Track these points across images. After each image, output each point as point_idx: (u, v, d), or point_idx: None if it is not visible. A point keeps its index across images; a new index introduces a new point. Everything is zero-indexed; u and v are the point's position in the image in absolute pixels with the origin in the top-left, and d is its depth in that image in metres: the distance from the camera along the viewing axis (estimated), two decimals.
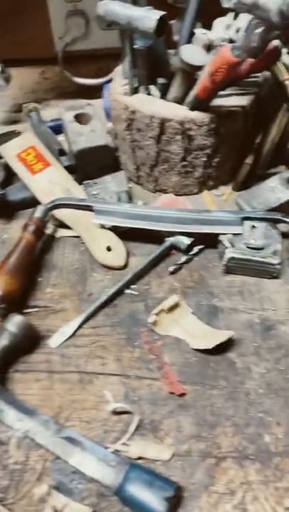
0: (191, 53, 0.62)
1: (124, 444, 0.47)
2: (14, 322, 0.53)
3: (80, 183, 0.73)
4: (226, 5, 0.54)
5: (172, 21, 0.75)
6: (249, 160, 0.72)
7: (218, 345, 0.54)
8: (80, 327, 0.58)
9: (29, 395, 0.51)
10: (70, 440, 0.46)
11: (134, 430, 0.48)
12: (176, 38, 0.79)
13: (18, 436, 0.47)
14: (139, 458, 0.46)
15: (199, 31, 0.70)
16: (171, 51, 0.73)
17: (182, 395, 0.51)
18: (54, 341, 0.56)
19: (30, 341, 0.55)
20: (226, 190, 0.76)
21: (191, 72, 0.63)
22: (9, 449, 0.47)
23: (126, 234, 0.67)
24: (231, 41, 0.62)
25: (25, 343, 0.54)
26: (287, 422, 0.49)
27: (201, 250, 0.67)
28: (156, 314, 0.57)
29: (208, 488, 0.44)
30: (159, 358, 0.54)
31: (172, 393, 0.51)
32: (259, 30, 0.54)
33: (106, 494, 0.44)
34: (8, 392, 0.50)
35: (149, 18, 0.59)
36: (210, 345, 0.53)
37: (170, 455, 0.46)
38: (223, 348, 0.54)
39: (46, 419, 0.48)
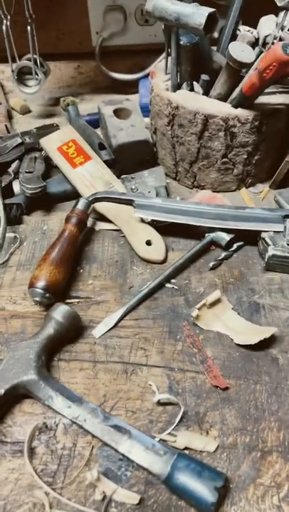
0: (239, 50, 0.62)
1: (170, 434, 0.47)
2: (60, 311, 0.54)
3: (117, 177, 0.74)
4: (280, 4, 0.54)
5: None
6: None
7: (260, 342, 0.54)
8: (122, 318, 0.58)
9: (74, 383, 0.52)
10: (118, 428, 0.47)
11: (179, 421, 0.48)
12: (215, 35, 0.79)
13: (65, 422, 0.48)
14: (185, 448, 0.47)
15: (244, 29, 0.71)
16: (214, 48, 0.74)
17: (226, 388, 0.51)
18: (97, 332, 0.57)
19: (74, 331, 0.56)
20: (264, 188, 0.76)
21: (237, 69, 0.63)
22: (56, 434, 0.48)
23: (165, 229, 0.68)
24: (280, 39, 0.62)
25: (70, 333, 0.55)
26: None
27: (240, 247, 0.67)
28: (199, 309, 0.57)
29: (254, 480, 0.45)
30: (201, 352, 0.55)
31: (216, 387, 0.51)
32: None
33: (154, 482, 0.44)
34: (55, 380, 0.51)
35: (199, 14, 0.59)
36: (254, 341, 0.54)
37: (215, 447, 0.47)
38: (266, 344, 0.55)
39: (93, 407, 0.48)
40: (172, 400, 0.50)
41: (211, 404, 0.50)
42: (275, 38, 0.62)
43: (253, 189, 0.76)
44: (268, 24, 0.67)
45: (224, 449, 0.47)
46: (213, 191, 0.75)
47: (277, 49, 0.55)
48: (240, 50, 0.62)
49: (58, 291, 0.59)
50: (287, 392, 0.51)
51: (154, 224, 0.68)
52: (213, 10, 0.60)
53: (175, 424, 0.48)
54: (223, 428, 0.48)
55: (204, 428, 0.48)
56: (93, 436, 0.47)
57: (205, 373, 0.53)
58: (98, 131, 0.86)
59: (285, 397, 0.51)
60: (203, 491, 0.41)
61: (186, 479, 0.42)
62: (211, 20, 0.60)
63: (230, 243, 0.66)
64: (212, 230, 0.66)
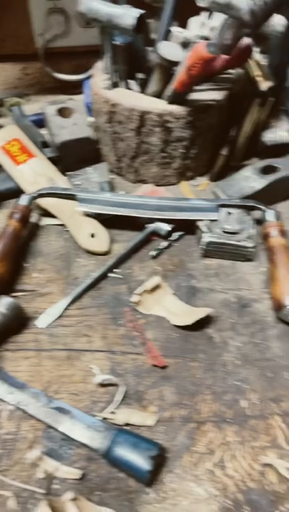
0: (168, 49, 0.66)
1: (111, 412, 0.50)
2: (4, 303, 0.56)
3: (63, 174, 0.76)
4: (200, 4, 0.57)
5: (150, 20, 0.80)
6: (224, 151, 0.76)
7: (197, 322, 0.57)
8: (66, 308, 0.60)
9: (19, 371, 0.54)
10: (60, 410, 0.49)
11: (121, 401, 0.51)
12: (153, 36, 0.83)
13: (9, 409, 0.50)
14: (126, 424, 0.49)
15: (175, 29, 0.74)
16: (150, 48, 0.77)
17: (164, 367, 0.54)
18: (42, 322, 0.59)
19: (19, 322, 0.57)
20: (203, 180, 0.80)
21: (168, 67, 0.67)
22: (1, 421, 0.49)
23: (109, 222, 0.70)
24: (206, 38, 0.66)
25: (14, 324, 0.57)
26: (261, 389, 0.53)
27: (180, 236, 0.70)
28: (139, 294, 0.60)
29: (189, 448, 0.48)
30: (142, 335, 0.58)
31: (155, 366, 0.54)
32: (231, 28, 0.58)
33: (95, 458, 0.47)
34: None
35: (129, 15, 0.62)
36: (190, 322, 0.57)
37: (154, 421, 0.49)
38: (202, 324, 0.58)
39: (36, 392, 0.50)
40: (112, 381, 0.52)
41: (151, 383, 0.53)
42: (200, 38, 0.65)
43: (193, 182, 0.80)
44: (196, 24, 0.71)
45: (162, 423, 0.50)
46: (156, 185, 0.78)
47: (200, 47, 0.59)
48: (169, 49, 0.66)
49: (2, 285, 0.60)
50: (221, 366, 0.55)
51: (98, 217, 0.70)
52: (142, 12, 0.63)
53: (115, 403, 0.51)
54: (161, 404, 0.51)
55: (144, 405, 0.51)
56: (37, 419, 0.49)
57: (145, 354, 0.55)
58: (44, 130, 0.87)
59: (219, 371, 0.54)
60: (139, 460, 0.44)
61: (123, 451, 0.45)
62: (142, 21, 0.64)
63: (170, 233, 0.69)
64: (153, 221, 0.69)
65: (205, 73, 0.62)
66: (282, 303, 0.57)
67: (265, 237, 0.65)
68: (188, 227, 0.70)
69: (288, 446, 0.48)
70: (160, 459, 0.46)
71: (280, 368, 0.55)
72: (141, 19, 0.63)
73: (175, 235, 0.70)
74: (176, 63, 0.66)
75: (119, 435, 0.46)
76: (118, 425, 0.49)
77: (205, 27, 0.67)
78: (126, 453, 0.45)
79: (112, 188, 0.76)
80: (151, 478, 0.45)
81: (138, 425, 0.49)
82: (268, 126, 0.81)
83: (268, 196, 0.73)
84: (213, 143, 0.77)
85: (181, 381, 0.53)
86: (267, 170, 0.74)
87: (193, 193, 0.78)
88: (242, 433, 0.49)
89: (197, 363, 0.55)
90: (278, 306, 0.58)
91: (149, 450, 0.45)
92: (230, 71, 0.77)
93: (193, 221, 0.69)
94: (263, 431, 0.49)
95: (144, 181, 0.79)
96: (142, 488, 0.45)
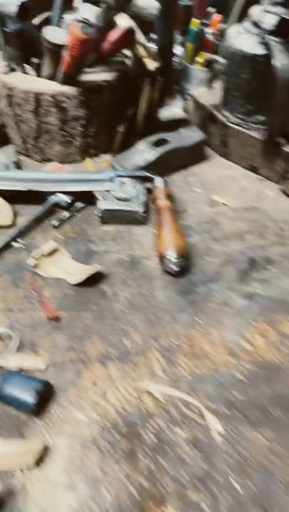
0: (54, 34, 0.71)
1: (5, 360, 0.55)
2: None
3: None
4: None
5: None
6: (121, 129, 0.82)
7: (92, 280, 0.63)
8: None
9: None
10: None
11: (16, 350, 0.56)
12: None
13: None
14: (20, 370, 0.54)
15: (67, 16, 0.80)
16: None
17: (58, 319, 0.60)
18: None
19: None
20: (106, 157, 0.86)
21: (55, 51, 0.72)
22: None
23: (13, 198, 0.75)
24: (85, 22, 0.72)
25: None
26: (144, 330, 0.59)
27: (83, 207, 0.76)
28: (37, 259, 0.65)
29: (76, 384, 0.53)
30: (39, 294, 0.63)
31: (50, 319, 0.60)
32: (103, 12, 0.64)
33: None
34: None
35: (11, 3, 0.67)
36: (82, 278, 0.63)
37: (45, 365, 0.55)
38: (97, 281, 0.64)
39: None
40: (7, 332, 0.57)
41: (45, 333, 0.58)
42: (79, 21, 0.71)
43: (97, 159, 0.86)
44: (84, 11, 0.77)
45: (53, 366, 0.55)
46: (61, 163, 0.83)
47: (75, 30, 0.64)
48: (55, 34, 0.71)
49: None
50: (110, 314, 0.61)
51: (2, 194, 0.74)
52: (25, 0, 0.69)
53: (9, 351, 0.56)
54: (53, 350, 0.57)
55: (37, 352, 0.56)
56: None
57: (41, 310, 0.61)
58: None
59: (108, 319, 0.60)
60: (25, 395, 0.50)
61: (12, 389, 0.50)
62: (26, 8, 0.69)
63: (71, 204, 0.75)
64: (55, 194, 0.75)
65: (84, 54, 0.68)
66: (164, 255, 0.64)
67: (154, 201, 0.72)
68: (90, 199, 0.76)
69: (164, 374, 0.55)
70: (47, 394, 0.52)
71: (163, 312, 0.61)
72: (23, 7, 0.68)
73: (77, 206, 0.75)
74: (61, 46, 0.71)
75: (9, 377, 0.51)
76: (12, 371, 0.54)
77: (79, 11, 0.73)
78: (14, 390, 0.50)
79: (18, 167, 0.81)
80: (38, 411, 0.50)
81: (31, 369, 0.54)
82: (164, 104, 0.88)
83: (161, 167, 0.79)
84: (110, 121, 0.83)
85: (73, 330, 0.59)
86: (159, 143, 0.80)
87: (97, 169, 0.84)
88: (124, 368, 0.55)
89: (89, 313, 0.61)
90: (161, 259, 0.65)
91: (34, 386, 0.50)
92: (126, 53, 0.83)
93: (92, 192, 0.74)
94: (142, 364, 0.56)
95: (49, 160, 0.84)
96: (31, 419, 0.50)
